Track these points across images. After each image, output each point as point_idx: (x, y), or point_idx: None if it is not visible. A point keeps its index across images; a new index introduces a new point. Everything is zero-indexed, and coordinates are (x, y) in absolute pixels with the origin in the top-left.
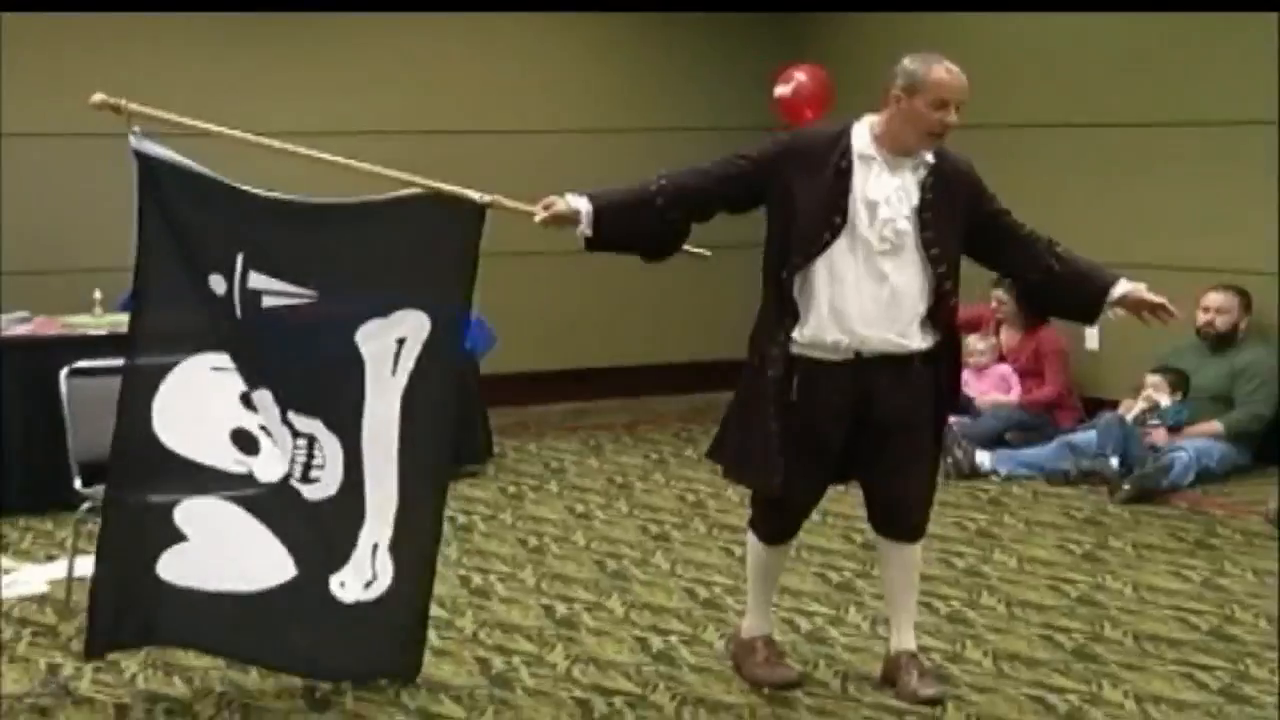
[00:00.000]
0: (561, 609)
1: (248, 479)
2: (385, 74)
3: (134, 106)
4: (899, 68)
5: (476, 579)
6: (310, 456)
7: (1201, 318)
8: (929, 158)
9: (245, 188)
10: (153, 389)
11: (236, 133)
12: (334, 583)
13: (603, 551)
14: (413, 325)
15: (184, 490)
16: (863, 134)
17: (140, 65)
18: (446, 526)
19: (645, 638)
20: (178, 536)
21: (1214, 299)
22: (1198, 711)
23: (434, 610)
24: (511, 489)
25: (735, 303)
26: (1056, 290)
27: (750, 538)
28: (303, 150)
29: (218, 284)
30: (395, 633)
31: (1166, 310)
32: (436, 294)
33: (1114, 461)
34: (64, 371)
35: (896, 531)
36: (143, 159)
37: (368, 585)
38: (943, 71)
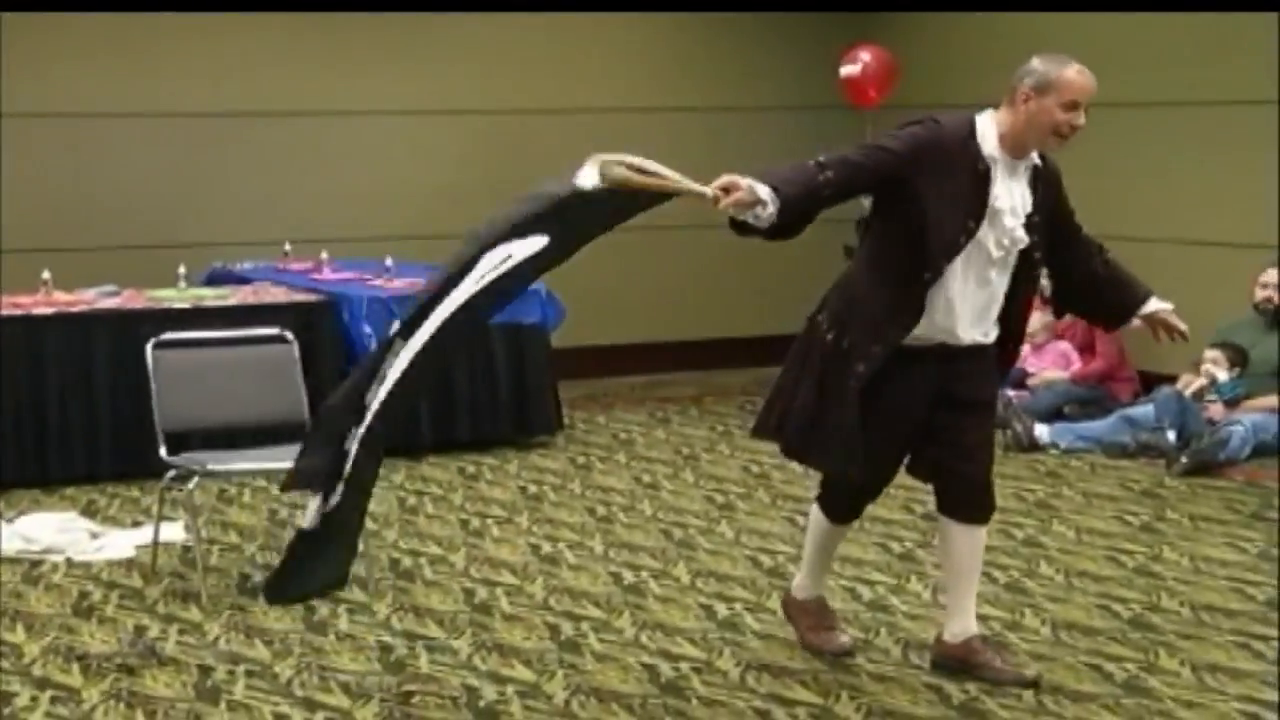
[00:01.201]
0: (629, 576)
1: None
2: (453, 55)
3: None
4: (1028, 67)
5: (546, 547)
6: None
7: (1260, 294)
8: (1036, 160)
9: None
10: None
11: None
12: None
13: (669, 521)
14: (527, 245)
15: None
16: (989, 135)
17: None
18: (517, 495)
19: (710, 605)
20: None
21: (1273, 275)
22: (1254, 680)
23: (505, 576)
24: (581, 459)
25: (800, 278)
26: (1094, 293)
27: (816, 512)
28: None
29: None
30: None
31: (1183, 336)
32: (562, 233)
33: (1171, 435)
34: (150, 343)
35: (973, 514)
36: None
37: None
38: (1074, 72)
